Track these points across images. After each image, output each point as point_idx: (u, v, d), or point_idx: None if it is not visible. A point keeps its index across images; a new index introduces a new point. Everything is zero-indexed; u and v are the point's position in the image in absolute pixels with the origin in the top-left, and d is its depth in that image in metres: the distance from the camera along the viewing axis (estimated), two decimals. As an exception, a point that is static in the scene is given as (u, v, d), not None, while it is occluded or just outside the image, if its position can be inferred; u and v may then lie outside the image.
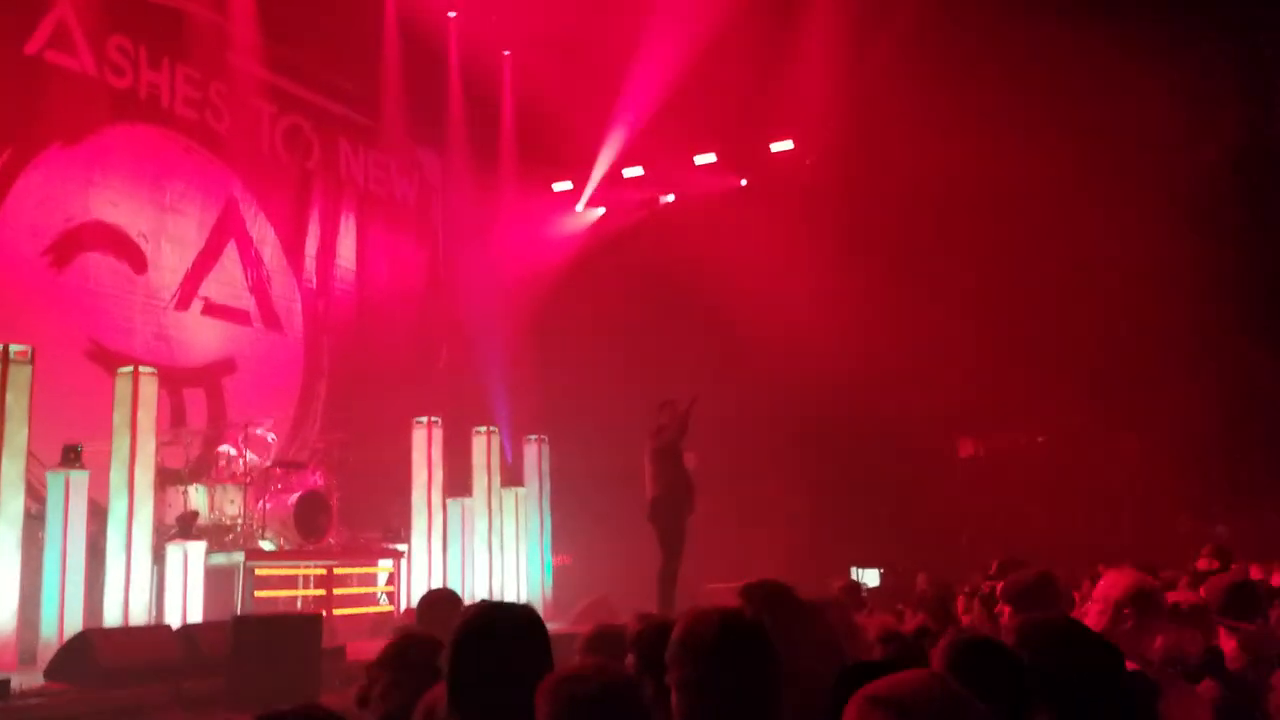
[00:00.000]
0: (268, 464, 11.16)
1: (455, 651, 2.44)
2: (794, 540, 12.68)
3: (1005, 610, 3.82)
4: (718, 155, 16.19)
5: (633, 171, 16.65)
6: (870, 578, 11.98)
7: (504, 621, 2.49)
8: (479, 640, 2.42)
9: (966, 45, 13.10)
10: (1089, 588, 4.68)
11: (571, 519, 13.77)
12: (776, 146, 15.85)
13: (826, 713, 2.75)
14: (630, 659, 2.97)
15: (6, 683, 6.23)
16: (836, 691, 1.99)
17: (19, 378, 8.45)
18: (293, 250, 14.19)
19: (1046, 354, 13.28)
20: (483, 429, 12.76)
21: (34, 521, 8.79)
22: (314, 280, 14.49)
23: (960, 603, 5.40)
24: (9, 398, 8.36)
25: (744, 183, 16.38)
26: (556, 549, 13.43)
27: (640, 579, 10.80)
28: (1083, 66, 12.51)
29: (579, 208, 17.21)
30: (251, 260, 13.53)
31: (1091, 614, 3.41)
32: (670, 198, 16.93)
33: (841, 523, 13.06)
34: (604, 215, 17.37)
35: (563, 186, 17.13)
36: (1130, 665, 2.80)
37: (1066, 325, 13.21)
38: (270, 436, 11.26)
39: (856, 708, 1.58)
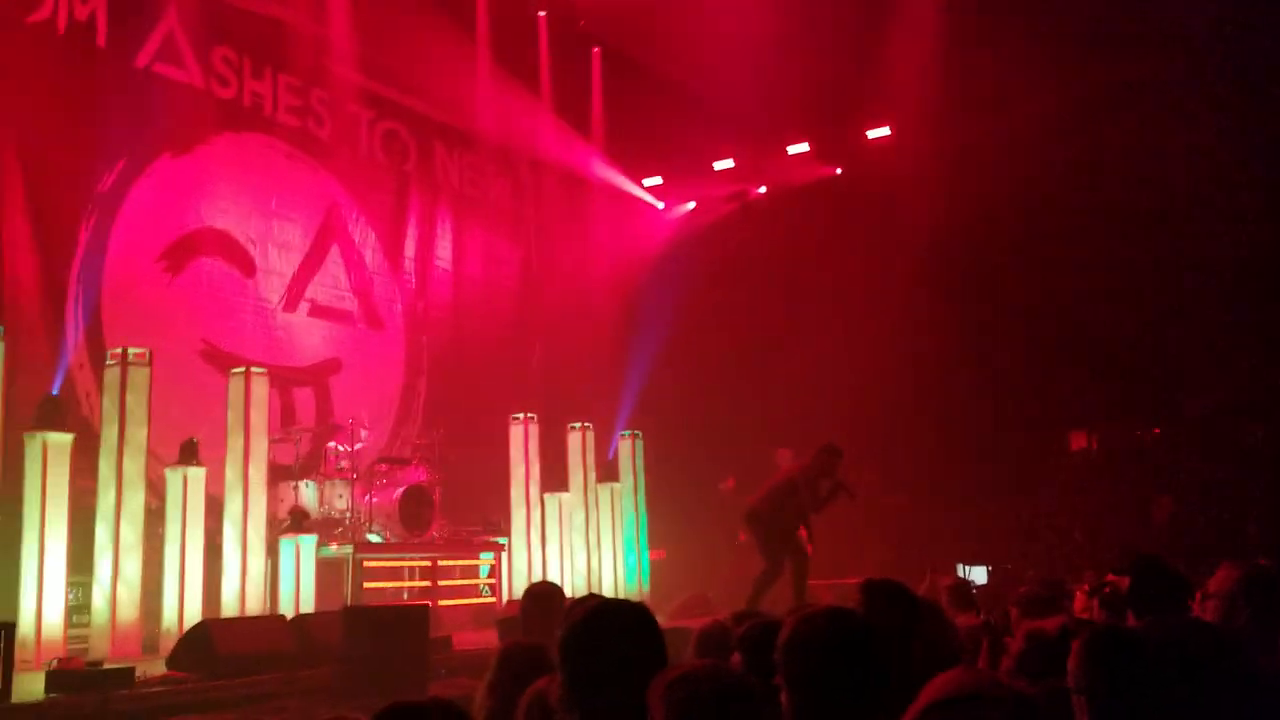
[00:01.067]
0: (372, 459, 11.46)
1: (568, 647, 2.45)
2: (898, 537, 12.52)
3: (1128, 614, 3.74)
4: (811, 144, 16.04)
5: (723, 164, 16.61)
6: (978, 575, 11.76)
7: (618, 618, 2.50)
8: (593, 636, 2.43)
9: (1071, 26, 12.77)
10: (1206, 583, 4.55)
11: (666, 514, 13.82)
12: (873, 133, 15.64)
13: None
14: (736, 658, 2.98)
15: (131, 671, 6.53)
16: None
17: (138, 379, 8.83)
18: (392, 252, 14.52)
19: (1162, 342, 12.87)
20: (577, 425, 12.90)
21: (154, 517, 9.18)
22: (413, 280, 14.80)
23: (1078, 600, 5.29)
24: (129, 398, 8.73)
25: (839, 171, 16.20)
26: (652, 543, 13.49)
27: (735, 574, 10.81)
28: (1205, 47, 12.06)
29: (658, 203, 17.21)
30: (354, 262, 13.88)
31: (1209, 609, 3.34)
32: (762, 189, 16.84)
33: (947, 519, 12.84)
34: (694, 209, 17.38)
35: (653, 182, 17.17)
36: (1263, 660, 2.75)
37: (1184, 313, 12.77)
38: (363, 433, 11.52)
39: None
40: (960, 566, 11.64)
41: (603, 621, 2.48)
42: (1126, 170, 12.61)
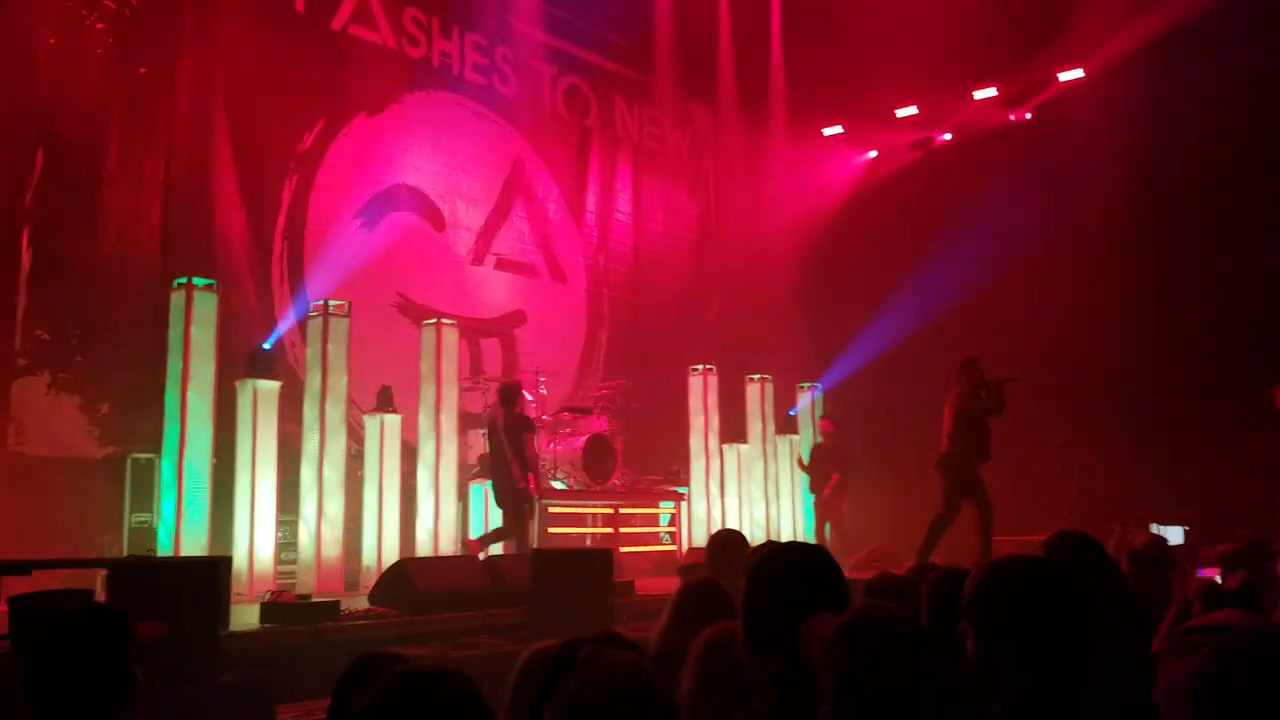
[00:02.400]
0: (557, 409, 11.75)
1: (752, 588, 2.47)
2: (1089, 494, 12.02)
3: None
4: (999, 88, 15.36)
5: (906, 111, 16.10)
6: (1174, 535, 11.20)
7: (799, 559, 2.52)
8: (775, 577, 2.45)
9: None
10: None
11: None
12: (1065, 76, 14.84)
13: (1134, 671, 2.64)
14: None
15: (336, 604, 6.94)
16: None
17: (338, 330, 9.31)
18: (575, 206, 14.76)
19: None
20: (756, 376, 12.88)
21: (353, 461, 9.70)
22: (594, 234, 15.01)
23: (1280, 563, 4.99)
24: (330, 348, 9.23)
25: (1029, 117, 15.46)
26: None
27: (918, 528, 10.62)
28: None
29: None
30: (538, 217, 14.18)
31: None
32: (947, 137, 16.25)
33: (1144, 476, 12.25)
34: (876, 158, 16.94)
35: (833, 131, 16.81)
36: None
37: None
38: (542, 389, 11.78)
39: (1178, 639, 1.49)
40: (1154, 525, 11.09)
41: (785, 562, 2.50)
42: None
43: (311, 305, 9.53)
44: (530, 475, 9.42)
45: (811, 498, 12.87)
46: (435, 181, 12.93)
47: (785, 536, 12.55)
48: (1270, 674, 1.41)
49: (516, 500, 9.45)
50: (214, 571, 5.43)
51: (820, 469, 12.66)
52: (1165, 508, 11.67)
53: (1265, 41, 12.02)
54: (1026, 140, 14.76)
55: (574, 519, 11.11)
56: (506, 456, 9.40)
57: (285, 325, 10.92)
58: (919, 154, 16.26)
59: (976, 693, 2.16)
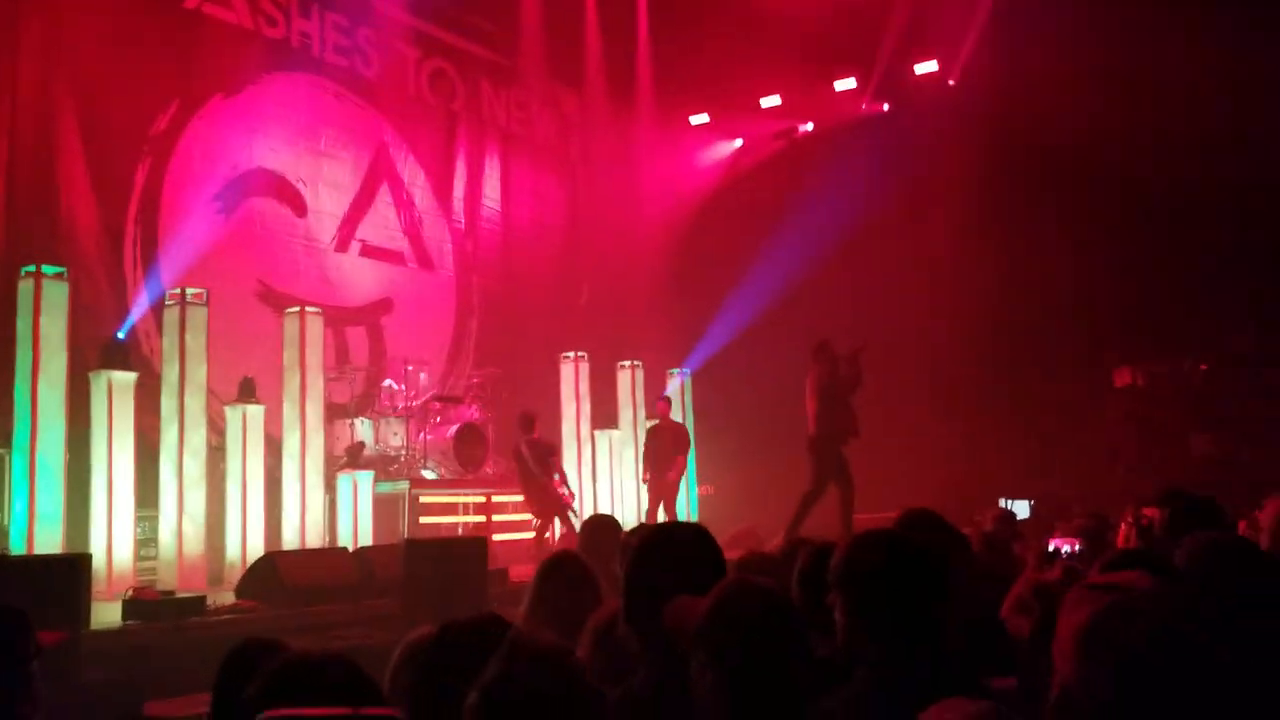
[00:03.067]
0: (427, 398, 11.65)
1: (633, 568, 2.55)
2: (943, 470, 12.55)
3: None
4: (858, 80, 15.82)
5: (770, 101, 16.44)
6: (1020, 509, 11.80)
7: (680, 537, 2.61)
8: (657, 556, 2.53)
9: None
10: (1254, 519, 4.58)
11: (714, 451, 13.95)
12: (921, 68, 15.39)
13: (989, 640, 2.82)
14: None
15: (202, 599, 6.78)
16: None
17: (196, 318, 9.01)
18: (441, 192, 14.60)
19: (1208, 278, 12.72)
20: (626, 363, 13.01)
21: (214, 454, 9.42)
22: (462, 220, 14.88)
23: (1122, 532, 5.33)
24: (188, 338, 8.93)
25: (886, 108, 15.98)
26: (700, 479, 13.64)
27: (784, 508, 10.93)
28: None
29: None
30: (404, 202, 13.98)
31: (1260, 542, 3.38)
32: (809, 126, 16.67)
33: (990, 452, 12.87)
34: (741, 147, 17.25)
35: (699, 119, 17.06)
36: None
37: (1230, 248, 12.59)
38: (422, 375, 11.69)
39: (1076, 594, 1.60)
40: (1002, 500, 11.66)
41: (666, 542, 2.58)
42: (1182, 94, 12.30)
43: (167, 294, 9.21)
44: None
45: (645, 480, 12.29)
46: (296, 165, 12.62)
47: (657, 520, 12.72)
48: (1155, 632, 1.51)
49: (562, 513, 10.48)
50: (73, 569, 5.26)
51: (662, 451, 12.02)
52: (1015, 483, 12.26)
53: (1112, 39, 12.68)
54: (884, 131, 15.27)
55: (446, 508, 11.06)
56: (539, 479, 10.39)
57: (139, 315, 10.54)
58: (782, 143, 16.66)
59: (843, 662, 2.28)
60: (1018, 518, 9.72)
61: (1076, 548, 4.84)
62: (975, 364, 13.43)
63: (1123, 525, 5.34)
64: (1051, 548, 4.92)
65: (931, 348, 13.50)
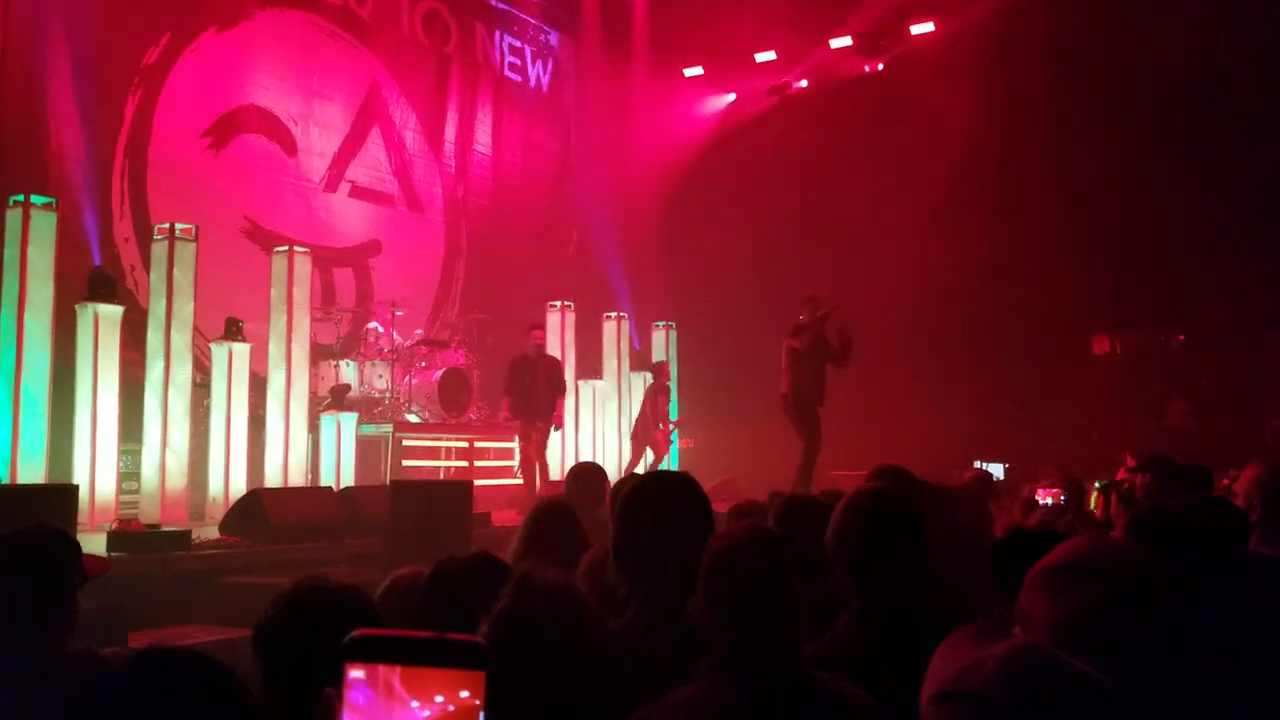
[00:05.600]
0: (412, 341, 11.67)
1: (624, 513, 2.61)
2: (919, 430, 12.70)
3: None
4: (854, 39, 15.74)
5: (765, 56, 16.35)
6: (995, 471, 11.97)
7: (668, 484, 2.68)
8: (647, 502, 2.60)
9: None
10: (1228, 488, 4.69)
11: (697, 404, 14.04)
12: (916, 29, 15.33)
13: (964, 594, 2.91)
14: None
15: (188, 534, 6.84)
16: (998, 557, 2.11)
17: (185, 254, 9.00)
18: (433, 135, 14.51)
19: (1187, 251, 12.85)
20: (612, 314, 13.06)
21: (198, 391, 9.43)
22: (453, 164, 14.81)
23: (1092, 499, 5.45)
24: (176, 273, 8.92)
25: (880, 67, 15.93)
26: (682, 432, 13.73)
27: (763, 462, 11.06)
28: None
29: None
30: (395, 145, 13.89)
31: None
32: (803, 83, 16.61)
33: (967, 415, 13.02)
34: (734, 101, 17.18)
35: (694, 72, 16.95)
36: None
37: (1208, 222, 12.70)
38: (399, 314, 11.67)
39: (1036, 579, 1.62)
40: (977, 462, 11.82)
41: (656, 487, 2.66)
42: (1174, 65, 12.35)
43: (156, 228, 9.18)
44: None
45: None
46: (287, 103, 12.52)
47: (639, 471, 12.83)
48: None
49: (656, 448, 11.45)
50: (63, 498, 5.30)
51: (535, 387, 10.48)
52: (990, 446, 12.44)
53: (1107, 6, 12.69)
54: (877, 90, 15.24)
55: (429, 452, 11.11)
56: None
57: (125, 248, 10.48)
58: (776, 99, 16.59)
59: (832, 604, 2.38)
60: (994, 478, 9.89)
61: (1062, 498, 4.98)
62: (956, 326, 13.53)
63: (1093, 492, 5.46)
64: (1037, 498, 5.06)
65: (914, 309, 13.59)
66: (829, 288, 10.81)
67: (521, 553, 3.37)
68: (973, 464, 11.57)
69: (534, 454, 10.37)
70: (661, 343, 13.54)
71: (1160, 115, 12.35)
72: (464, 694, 0.63)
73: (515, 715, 1.45)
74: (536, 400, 10.30)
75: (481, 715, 0.64)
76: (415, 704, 0.63)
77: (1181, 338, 13.96)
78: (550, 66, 16.52)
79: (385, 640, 0.64)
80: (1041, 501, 5.12)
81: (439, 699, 0.63)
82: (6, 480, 7.67)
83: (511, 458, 12.05)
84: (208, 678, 1.31)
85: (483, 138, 15.28)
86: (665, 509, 2.56)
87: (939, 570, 2.55)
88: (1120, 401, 13.33)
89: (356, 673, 0.63)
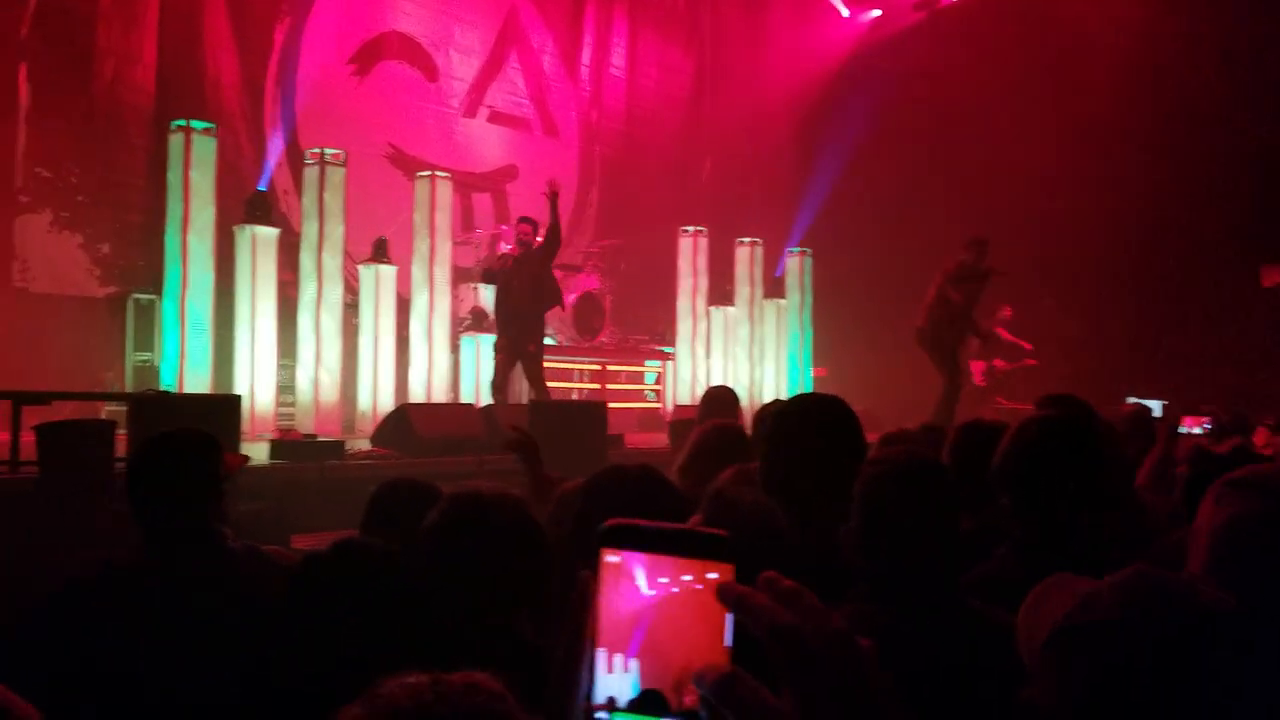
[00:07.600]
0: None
1: (773, 433, 2.62)
2: (1071, 365, 12.31)
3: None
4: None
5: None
6: (1153, 408, 11.51)
7: (818, 406, 2.68)
8: (797, 422, 2.61)
9: None
10: None
11: (830, 332, 13.88)
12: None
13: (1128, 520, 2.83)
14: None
15: (342, 444, 7.18)
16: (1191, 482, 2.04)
17: (334, 178, 9.29)
18: (569, 59, 14.52)
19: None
20: (746, 240, 12.95)
21: (348, 310, 9.80)
22: (588, 89, 14.81)
23: (1260, 435, 5.25)
24: (326, 196, 9.22)
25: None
26: (815, 361, 13.64)
27: (896, 392, 10.92)
28: None
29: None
30: (532, 69, 13.96)
31: None
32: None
33: (1120, 350, 12.54)
34: (878, 19, 16.64)
35: (836, -10, 16.47)
36: None
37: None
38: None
39: (1211, 490, 1.59)
40: (1131, 398, 11.42)
41: (805, 409, 2.65)
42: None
43: (307, 153, 9.48)
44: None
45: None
46: (428, 29, 12.68)
47: (769, 398, 12.81)
48: None
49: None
50: (231, 407, 5.61)
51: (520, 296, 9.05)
52: (1147, 383, 11.96)
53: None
54: (1033, 7, 14.51)
55: (562, 374, 11.31)
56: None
57: (277, 172, 10.86)
58: (923, 15, 15.99)
59: (991, 535, 2.35)
60: (1152, 414, 9.53)
61: (1207, 426, 4.82)
62: (1118, 258, 12.95)
63: (1261, 429, 5.24)
64: (1183, 427, 4.91)
65: (1070, 240, 13.07)
66: (973, 216, 10.54)
67: (687, 466, 3.42)
68: (1125, 400, 11.16)
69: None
70: (796, 270, 13.40)
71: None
72: (711, 575, 0.68)
73: None
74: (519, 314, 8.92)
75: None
76: (664, 580, 0.68)
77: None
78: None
79: (638, 529, 0.69)
80: (1188, 431, 4.96)
81: (686, 577, 0.68)
82: (174, 390, 8.14)
83: (642, 382, 12.21)
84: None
85: (618, 61, 15.21)
86: (816, 431, 2.56)
87: (1107, 502, 2.48)
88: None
89: (612, 558, 0.69)
